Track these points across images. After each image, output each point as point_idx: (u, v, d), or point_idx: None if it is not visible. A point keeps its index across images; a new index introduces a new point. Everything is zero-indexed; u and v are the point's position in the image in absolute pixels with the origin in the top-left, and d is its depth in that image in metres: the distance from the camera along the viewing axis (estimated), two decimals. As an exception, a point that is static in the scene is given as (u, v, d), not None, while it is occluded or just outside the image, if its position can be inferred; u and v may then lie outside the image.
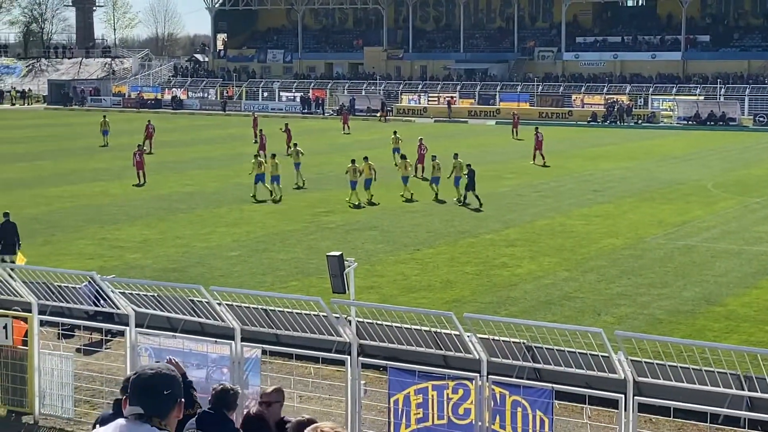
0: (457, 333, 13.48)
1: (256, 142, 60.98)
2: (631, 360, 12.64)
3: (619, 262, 27.18)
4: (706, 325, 20.96)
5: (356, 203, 36.85)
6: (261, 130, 55.37)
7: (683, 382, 12.38)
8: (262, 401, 10.06)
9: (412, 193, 38.48)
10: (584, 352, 13.56)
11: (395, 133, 52.66)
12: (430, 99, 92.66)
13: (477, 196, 36.75)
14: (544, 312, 21.87)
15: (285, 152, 52.52)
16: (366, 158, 38.56)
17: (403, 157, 40.78)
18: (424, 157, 44.61)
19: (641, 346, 16.17)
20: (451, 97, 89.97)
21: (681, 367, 12.82)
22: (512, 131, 66.39)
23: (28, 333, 15.73)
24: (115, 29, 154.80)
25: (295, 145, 44.95)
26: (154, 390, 5.32)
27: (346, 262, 14.96)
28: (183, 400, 5.44)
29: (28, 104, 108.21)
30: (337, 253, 15.05)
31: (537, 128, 52.64)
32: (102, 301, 16.33)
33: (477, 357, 13.13)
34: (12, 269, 17.24)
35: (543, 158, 49.99)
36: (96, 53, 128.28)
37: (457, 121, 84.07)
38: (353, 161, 37.99)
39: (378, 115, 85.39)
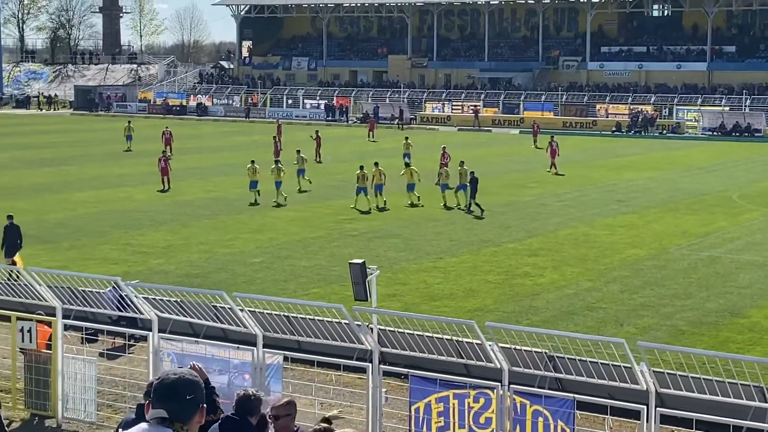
0: (478, 342, 13.48)
1: (280, 149, 61.26)
2: (654, 371, 12.60)
3: (643, 272, 27.07)
4: (730, 337, 20.86)
5: (365, 209, 37.28)
6: (275, 137, 55.75)
7: (706, 393, 12.34)
8: (272, 414, 9.36)
9: (419, 197, 38.94)
10: (606, 362, 13.52)
11: (406, 138, 54.70)
12: (453, 108, 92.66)
13: (478, 204, 37.18)
14: (566, 322, 21.82)
15: (315, 159, 52.67)
16: (376, 164, 39.21)
17: (407, 164, 41.28)
18: (447, 166, 44.71)
19: (664, 358, 16.11)
20: (476, 106, 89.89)
21: (704, 378, 12.77)
22: (533, 140, 66.59)
23: (52, 337, 15.84)
24: (141, 36, 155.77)
25: (298, 151, 45.29)
26: (177, 395, 5.37)
27: (368, 270, 14.98)
28: (205, 405, 5.48)
29: (54, 109, 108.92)
30: (360, 261, 15.06)
31: (552, 137, 53.04)
32: (126, 307, 16.42)
33: (498, 366, 13.12)
34: (14, 272, 17.37)
35: (555, 167, 50.23)
36: (122, 59, 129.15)
37: (481, 130, 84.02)
38: (361, 167, 38.59)
39: (396, 122, 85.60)
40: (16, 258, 24.56)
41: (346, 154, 59.26)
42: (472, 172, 37.92)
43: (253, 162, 40.45)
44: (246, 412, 8.92)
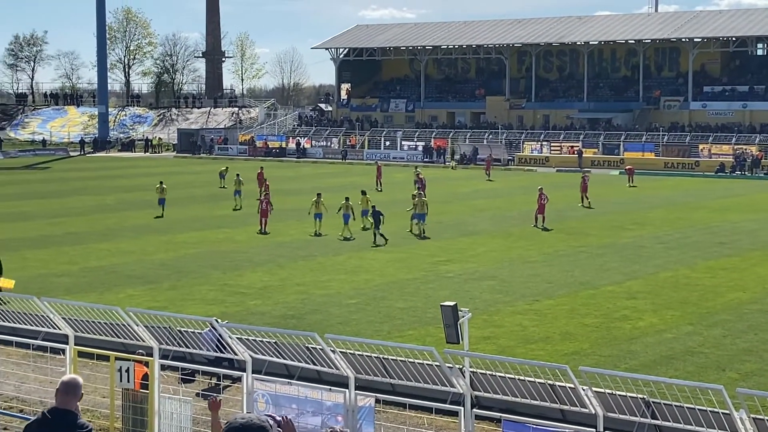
0: (572, 386, 13.27)
1: (379, 190, 61.68)
2: (755, 418, 12.23)
3: (746, 316, 26.38)
4: (838, 385, 20.13)
5: (348, 236, 40.92)
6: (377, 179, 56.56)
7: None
8: None
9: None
10: (704, 409, 13.17)
11: (416, 167, 62.69)
12: (552, 148, 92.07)
13: (382, 234, 39.74)
14: (665, 367, 21.34)
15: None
16: (364, 192, 44.84)
17: (413, 196, 44.46)
18: (544, 207, 44.34)
19: (767, 404, 15.62)
20: (571, 147, 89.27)
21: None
22: (628, 180, 68.47)
23: (145, 376, 16.07)
24: (242, 79, 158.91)
25: (237, 175, 53.85)
26: None
27: (460, 313, 14.89)
28: None
29: (158, 152, 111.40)
30: (452, 303, 14.99)
31: (584, 171, 57.58)
32: (224, 347, 16.61)
33: (593, 412, 12.88)
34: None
35: (588, 200, 53.51)
36: (224, 103, 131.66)
37: (579, 170, 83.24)
38: (347, 198, 42.04)
39: (452, 162, 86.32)
40: (4, 281, 25.09)
41: (443, 195, 59.03)
42: (374, 206, 41.01)
43: (319, 195, 43.67)
44: None
